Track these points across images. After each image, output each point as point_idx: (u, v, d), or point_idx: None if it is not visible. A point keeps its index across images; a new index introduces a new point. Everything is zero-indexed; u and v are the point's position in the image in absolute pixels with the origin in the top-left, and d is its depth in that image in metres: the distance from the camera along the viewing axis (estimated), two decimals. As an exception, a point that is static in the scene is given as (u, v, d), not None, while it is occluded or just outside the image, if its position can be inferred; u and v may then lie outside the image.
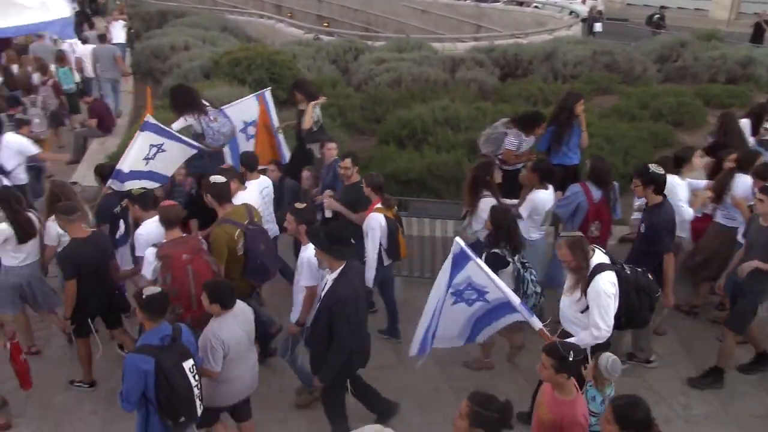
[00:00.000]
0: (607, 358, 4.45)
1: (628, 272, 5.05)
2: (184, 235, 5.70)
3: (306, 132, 8.30)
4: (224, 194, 5.84)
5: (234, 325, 4.76)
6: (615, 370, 4.43)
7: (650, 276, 5.21)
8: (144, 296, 4.42)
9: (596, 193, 6.58)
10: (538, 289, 5.81)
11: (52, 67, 12.78)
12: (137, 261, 5.97)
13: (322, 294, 5.00)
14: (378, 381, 5.83)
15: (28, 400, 6.08)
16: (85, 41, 15.97)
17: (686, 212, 6.60)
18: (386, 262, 6.51)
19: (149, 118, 6.91)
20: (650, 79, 15.08)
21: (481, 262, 5.02)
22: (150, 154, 6.88)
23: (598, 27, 25.69)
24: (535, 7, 28.84)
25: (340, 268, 4.86)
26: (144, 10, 24.18)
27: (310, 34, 22.12)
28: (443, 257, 7.52)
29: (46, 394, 6.16)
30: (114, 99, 14.25)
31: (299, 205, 5.72)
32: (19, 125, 9.23)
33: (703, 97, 13.24)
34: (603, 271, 4.79)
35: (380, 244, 6.29)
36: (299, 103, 8.65)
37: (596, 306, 4.74)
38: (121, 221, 6.71)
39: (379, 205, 6.33)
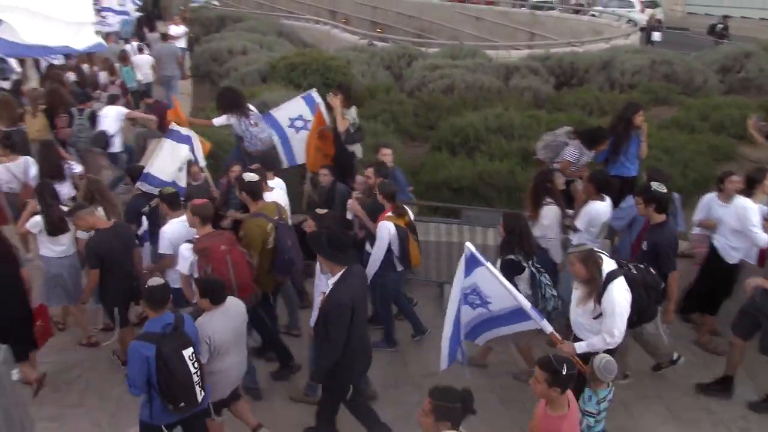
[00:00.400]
0: (601, 359, 4.49)
1: (635, 272, 5.07)
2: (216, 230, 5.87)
3: (344, 134, 8.43)
4: (257, 191, 6.06)
5: (222, 321, 4.88)
6: (609, 371, 4.46)
7: (653, 271, 5.24)
8: (146, 287, 4.60)
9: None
10: (555, 292, 5.79)
11: (117, 66, 13.37)
12: (160, 258, 6.21)
13: (321, 298, 5.05)
14: (424, 388, 5.81)
15: (86, 391, 6.27)
16: (141, 45, 16.56)
17: (760, 238, 6.24)
18: (398, 268, 6.53)
19: (174, 126, 7.38)
20: (711, 90, 14.69)
21: (492, 267, 5.04)
22: (182, 166, 7.31)
23: (656, 36, 25.13)
24: (592, 15, 28.44)
25: (340, 273, 4.88)
26: (204, 15, 24.77)
27: (364, 40, 22.31)
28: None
29: (105, 386, 6.33)
30: (167, 96, 14.66)
31: (320, 211, 5.83)
32: (111, 101, 10.45)
33: (768, 110, 12.84)
34: (615, 278, 4.82)
35: (392, 252, 6.32)
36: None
37: (612, 314, 4.79)
38: (144, 219, 6.95)
39: (390, 213, 6.32)
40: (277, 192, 6.80)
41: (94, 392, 6.28)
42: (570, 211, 6.75)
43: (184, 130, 7.56)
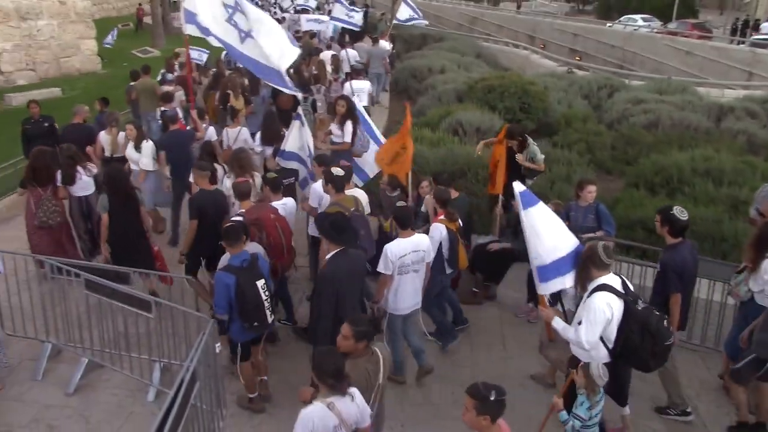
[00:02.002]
0: (597, 365, 4.55)
1: (640, 308, 4.73)
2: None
3: (524, 169, 8.56)
4: (341, 185, 6.68)
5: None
6: (606, 375, 4.55)
7: (666, 322, 4.84)
8: (224, 227, 5.60)
9: None
10: None
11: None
12: None
13: None
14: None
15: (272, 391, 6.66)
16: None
17: None
18: (447, 270, 6.70)
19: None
20: None
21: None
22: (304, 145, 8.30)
23: None
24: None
25: (334, 251, 5.33)
26: (406, 33, 25.68)
27: (563, 66, 21.85)
28: (704, 320, 6.98)
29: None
30: (376, 89, 15.60)
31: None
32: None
33: None
34: (603, 290, 4.67)
35: (443, 254, 6.51)
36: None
37: (585, 319, 4.68)
38: None
39: (442, 217, 6.62)
40: (359, 191, 7.38)
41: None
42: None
43: None
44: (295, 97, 10.58)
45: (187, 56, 9.95)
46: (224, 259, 5.66)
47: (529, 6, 53.16)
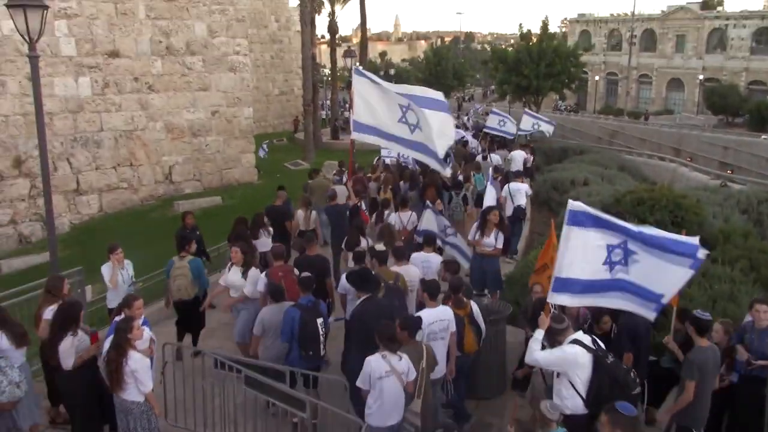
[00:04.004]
0: (546, 404, 5.09)
1: (608, 361, 5.33)
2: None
3: None
4: (382, 259, 8.06)
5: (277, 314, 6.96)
6: (555, 409, 5.07)
7: (633, 373, 5.38)
8: (300, 278, 7.19)
9: None
10: None
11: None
12: None
13: None
14: None
15: None
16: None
17: None
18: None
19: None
20: None
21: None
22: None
23: None
24: None
25: (362, 298, 6.71)
26: (546, 146, 25.85)
27: (716, 180, 20.88)
28: None
29: None
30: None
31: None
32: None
33: None
34: (574, 344, 5.34)
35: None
36: None
37: (553, 351, 5.42)
38: None
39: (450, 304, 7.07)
40: (411, 268, 8.19)
41: None
42: None
43: None
44: (439, 191, 12.87)
45: (350, 160, 12.42)
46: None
47: (674, 119, 51.94)
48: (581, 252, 5.43)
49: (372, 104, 10.31)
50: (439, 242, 9.90)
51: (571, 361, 5.28)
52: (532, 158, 20.54)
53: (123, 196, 21.00)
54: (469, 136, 23.48)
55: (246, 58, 23.82)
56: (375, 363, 5.58)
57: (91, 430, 6.61)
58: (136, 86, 20.95)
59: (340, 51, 39.75)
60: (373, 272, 7.37)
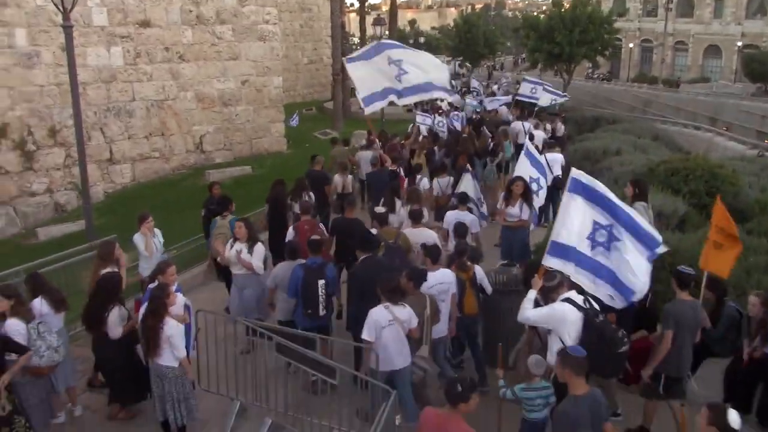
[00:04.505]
0: (532, 358, 5.57)
1: (598, 320, 5.53)
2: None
3: None
4: (382, 220, 8.68)
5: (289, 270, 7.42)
6: (541, 368, 5.47)
7: (621, 332, 5.53)
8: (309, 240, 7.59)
9: None
10: None
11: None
12: None
13: None
14: None
15: None
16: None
17: None
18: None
19: None
20: None
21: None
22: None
23: None
24: None
25: (363, 256, 7.17)
26: (579, 115, 25.41)
27: (753, 150, 20.38)
28: None
29: None
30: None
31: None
32: None
33: None
34: (565, 302, 5.61)
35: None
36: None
37: (543, 309, 5.74)
38: None
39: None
40: (425, 231, 8.49)
41: None
42: None
43: None
44: (471, 157, 13.59)
45: (371, 132, 14.62)
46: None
47: (710, 87, 50.59)
48: (578, 221, 5.66)
49: (369, 76, 11.52)
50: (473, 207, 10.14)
51: (559, 318, 5.55)
52: (563, 128, 20.24)
53: (155, 166, 21.25)
54: (499, 105, 23.47)
55: (275, 27, 23.72)
56: (378, 314, 5.99)
57: (128, 392, 6.81)
58: (167, 56, 21.03)
59: (369, 19, 39.36)
60: (374, 232, 7.98)
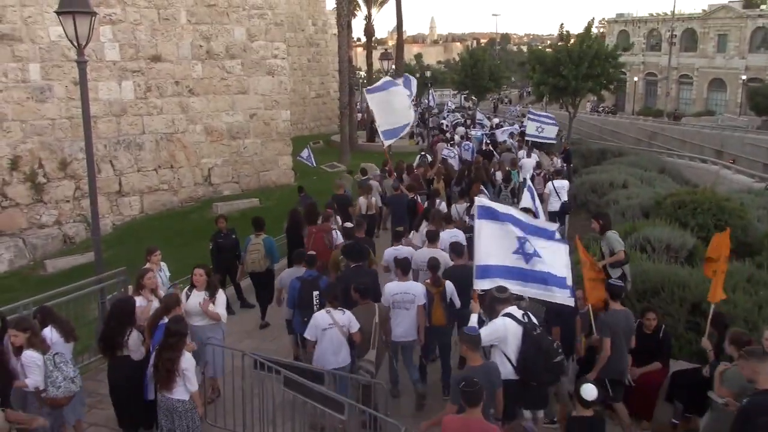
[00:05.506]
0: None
1: (535, 333, 6.09)
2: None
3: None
4: (351, 235, 9.84)
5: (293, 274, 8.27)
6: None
7: (557, 344, 6.21)
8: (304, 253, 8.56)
9: None
10: None
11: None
12: None
13: None
14: None
15: None
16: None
17: None
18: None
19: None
20: None
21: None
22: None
23: None
24: None
25: (353, 266, 8.28)
26: (585, 148, 25.53)
27: (760, 183, 20.36)
28: None
29: None
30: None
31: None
32: None
33: None
34: (505, 317, 6.16)
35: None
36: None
37: (486, 327, 6.16)
38: None
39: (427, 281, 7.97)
40: (439, 251, 8.97)
41: None
42: None
43: None
44: (486, 187, 14.83)
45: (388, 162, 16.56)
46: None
47: (715, 120, 50.77)
48: (492, 241, 6.31)
49: (387, 109, 13.65)
50: None
51: (501, 332, 6.08)
52: (559, 161, 20.35)
53: (163, 198, 21.39)
54: (505, 136, 23.96)
55: (284, 61, 24.05)
56: (320, 317, 6.87)
57: (137, 419, 6.76)
58: (177, 90, 21.33)
59: (376, 54, 39.89)
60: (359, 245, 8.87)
